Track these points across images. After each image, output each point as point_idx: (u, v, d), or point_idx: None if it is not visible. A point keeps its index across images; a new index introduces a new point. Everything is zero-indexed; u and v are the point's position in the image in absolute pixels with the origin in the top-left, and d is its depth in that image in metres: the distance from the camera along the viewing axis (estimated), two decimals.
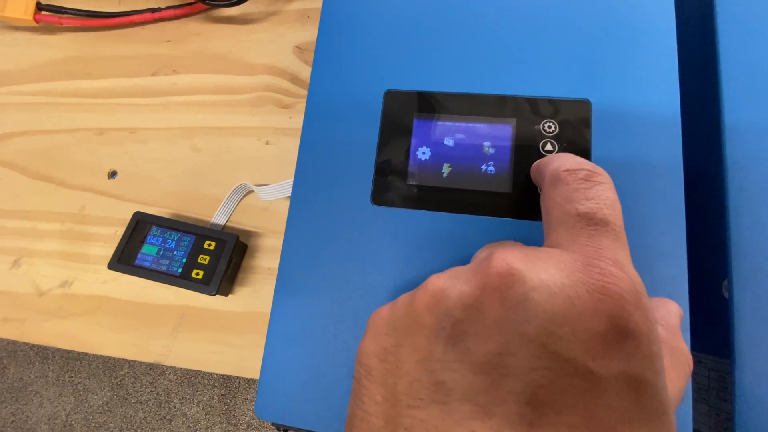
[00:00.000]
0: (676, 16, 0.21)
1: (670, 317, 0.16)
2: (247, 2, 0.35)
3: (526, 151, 0.20)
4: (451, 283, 0.13)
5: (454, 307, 0.13)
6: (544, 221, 0.15)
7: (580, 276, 0.12)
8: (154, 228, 0.30)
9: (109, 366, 1.14)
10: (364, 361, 0.14)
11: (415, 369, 0.13)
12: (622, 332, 0.11)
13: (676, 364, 0.15)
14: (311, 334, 0.20)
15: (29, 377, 1.16)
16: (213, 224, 0.32)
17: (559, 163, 0.16)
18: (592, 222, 0.13)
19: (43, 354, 1.17)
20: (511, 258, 0.12)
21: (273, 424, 0.19)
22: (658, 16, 0.21)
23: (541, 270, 0.12)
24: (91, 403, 1.12)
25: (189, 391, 1.10)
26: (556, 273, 0.12)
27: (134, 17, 0.37)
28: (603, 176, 0.15)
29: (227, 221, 0.32)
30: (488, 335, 0.12)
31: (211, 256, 0.29)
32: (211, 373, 1.11)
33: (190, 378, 1.11)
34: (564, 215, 0.14)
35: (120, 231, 0.33)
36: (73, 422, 1.12)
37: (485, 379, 0.11)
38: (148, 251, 0.29)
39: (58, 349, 1.17)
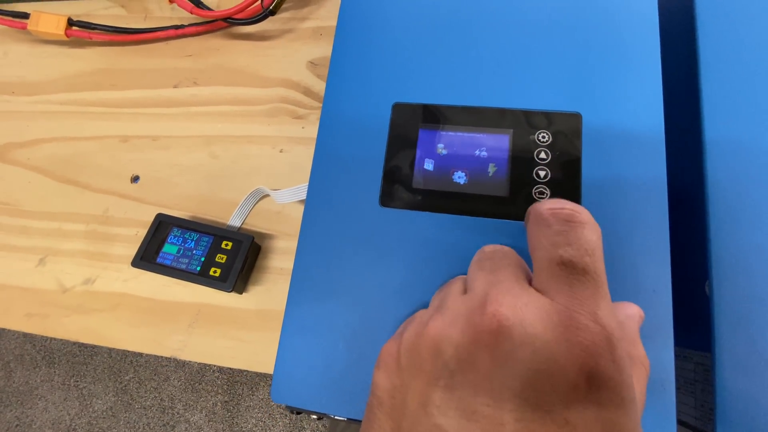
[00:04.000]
0: (660, 33, 0.23)
1: (628, 323, 0.18)
2: (264, 21, 0.38)
3: (522, 159, 0.22)
4: (448, 333, 0.15)
5: (450, 359, 0.14)
6: (532, 257, 0.16)
7: (561, 331, 0.13)
8: (175, 229, 0.32)
9: (114, 371, 1.15)
10: (377, 393, 0.17)
11: (417, 411, 0.15)
12: (594, 383, 0.13)
13: (634, 371, 0.16)
14: (323, 324, 0.21)
15: (35, 381, 1.17)
16: (229, 226, 0.33)
17: (544, 204, 0.16)
18: (574, 271, 0.14)
19: (50, 358, 1.19)
20: (502, 311, 0.14)
21: (287, 407, 0.21)
22: (643, 36, 0.23)
23: (528, 325, 0.14)
24: (96, 408, 1.13)
25: (193, 398, 1.11)
26: (540, 328, 0.14)
27: (159, 33, 0.40)
28: (583, 215, 0.15)
29: (242, 224, 0.34)
30: (479, 388, 0.14)
31: (228, 256, 0.30)
32: (214, 380, 1.12)
33: (194, 384, 1.12)
34: (549, 261, 0.15)
35: (141, 232, 0.35)
36: (77, 427, 1.12)
37: (476, 426, 0.13)
38: (169, 250, 0.31)
39: (65, 354, 1.18)
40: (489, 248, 0.18)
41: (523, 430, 0.13)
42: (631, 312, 0.18)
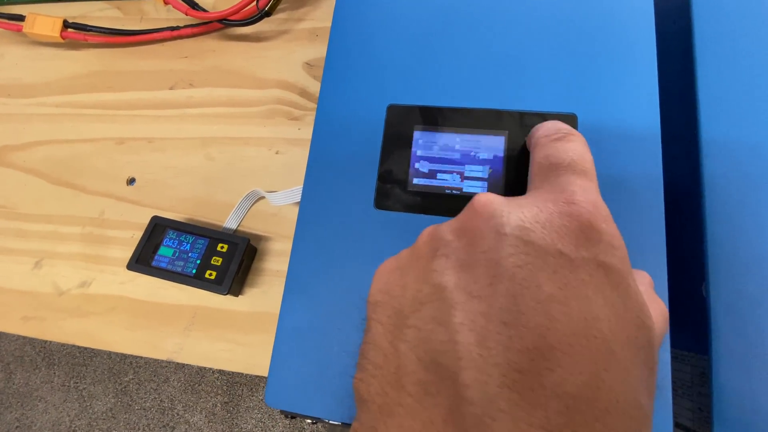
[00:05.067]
0: (657, 34, 0.23)
1: (644, 279, 0.18)
2: (260, 22, 0.38)
3: (517, 160, 0.22)
4: (443, 225, 0.16)
5: (446, 233, 0.15)
6: (528, 176, 0.18)
7: (547, 196, 0.15)
8: (171, 231, 0.32)
9: (114, 372, 1.15)
10: (371, 300, 0.16)
11: (416, 283, 0.15)
12: (585, 227, 0.13)
13: (655, 310, 0.16)
14: (318, 328, 0.21)
15: (35, 382, 1.17)
16: (225, 229, 0.33)
17: (540, 131, 0.19)
18: (561, 166, 0.16)
19: (49, 359, 1.19)
20: (490, 196, 0.15)
21: (282, 412, 0.21)
22: (639, 37, 0.23)
23: (514, 200, 0.15)
24: (95, 410, 1.13)
25: (192, 399, 1.11)
26: (526, 200, 0.15)
27: (154, 35, 0.39)
28: (575, 135, 0.17)
29: (238, 226, 0.34)
30: (474, 242, 0.14)
31: (223, 258, 0.30)
32: (214, 381, 1.12)
33: (194, 385, 1.12)
34: (539, 168, 0.17)
35: (137, 235, 0.35)
36: (77, 428, 1.12)
37: (474, 272, 0.13)
38: (164, 253, 0.31)
39: (64, 355, 1.18)
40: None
41: (517, 261, 0.13)
42: (646, 275, 0.18)
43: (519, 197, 0.15)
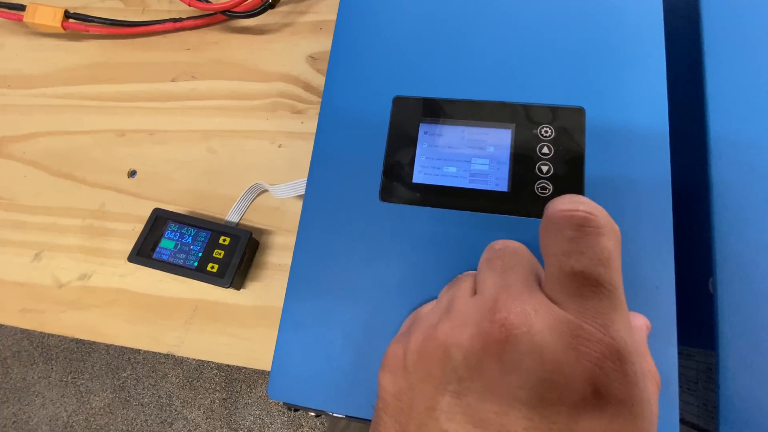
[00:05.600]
0: (665, 30, 0.23)
1: (637, 335, 0.17)
2: (263, 14, 0.37)
3: (524, 154, 0.22)
4: (457, 338, 0.15)
5: (459, 366, 0.14)
6: (544, 261, 0.15)
7: (569, 340, 0.13)
8: (172, 224, 0.31)
9: (112, 368, 1.15)
10: (382, 395, 0.16)
11: (423, 414, 0.14)
12: (602, 397, 0.12)
13: (654, 388, 0.16)
14: (322, 321, 0.21)
15: (32, 377, 1.17)
16: (227, 222, 0.33)
17: (557, 203, 0.15)
18: (586, 283, 0.14)
19: (47, 354, 1.18)
20: (511, 320, 0.14)
21: (285, 404, 0.20)
22: (648, 31, 0.23)
23: (536, 333, 0.13)
24: (93, 405, 1.13)
25: (190, 395, 1.11)
26: (549, 336, 0.13)
27: (157, 26, 0.39)
28: (599, 219, 0.14)
29: (240, 219, 0.34)
30: (487, 395, 0.13)
31: (225, 251, 0.30)
32: (212, 377, 1.12)
33: (192, 381, 1.12)
34: (560, 271, 0.14)
35: (138, 227, 0.35)
36: (74, 423, 1.12)
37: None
38: (166, 245, 0.31)
39: (62, 350, 1.18)
40: (499, 245, 0.17)
41: None
42: (639, 323, 0.18)
43: (544, 317, 0.14)
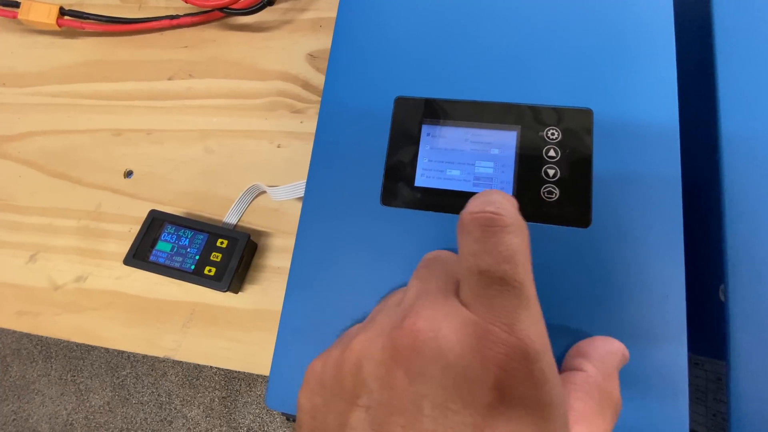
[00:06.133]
0: (675, 25, 0.22)
1: (608, 358, 0.17)
2: (262, 11, 0.36)
3: (530, 157, 0.21)
4: (369, 350, 0.14)
5: (369, 377, 0.14)
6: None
7: (474, 343, 0.13)
8: (169, 226, 0.31)
9: (112, 366, 1.15)
10: (299, 413, 0.16)
11: (332, 430, 0.14)
12: (507, 400, 0.12)
13: (603, 408, 0.16)
14: (321, 328, 0.21)
15: (32, 375, 1.17)
16: (225, 224, 0.33)
17: (468, 205, 0.15)
18: (491, 281, 0.13)
19: (47, 353, 1.18)
20: (419, 324, 0.13)
21: (283, 414, 0.20)
22: (657, 29, 0.22)
23: (443, 338, 0.13)
24: (93, 403, 1.13)
25: (190, 393, 1.11)
26: (455, 341, 0.13)
27: (153, 24, 0.38)
28: (505, 218, 0.14)
29: (238, 221, 0.33)
30: (394, 407, 0.13)
31: (223, 254, 0.30)
32: (212, 376, 1.11)
33: (192, 380, 1.12)
34: (468, 271, 0.14)
35: (134, 229, 0.34)
36: (74, 422, 1.12)
37: None
38: (162, 248, 0.30)
39: (62, 348, 1.18)
40: (431, 254, 0.18)
41: None
42: (614, 348, 0.17)
43: (452, 321, 0.13)
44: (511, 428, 0.12)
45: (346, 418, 0.14)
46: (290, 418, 0.23)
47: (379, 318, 0.16)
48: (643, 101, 0.21)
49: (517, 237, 0.14)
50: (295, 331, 0.21)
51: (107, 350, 1.16)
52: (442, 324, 0.13)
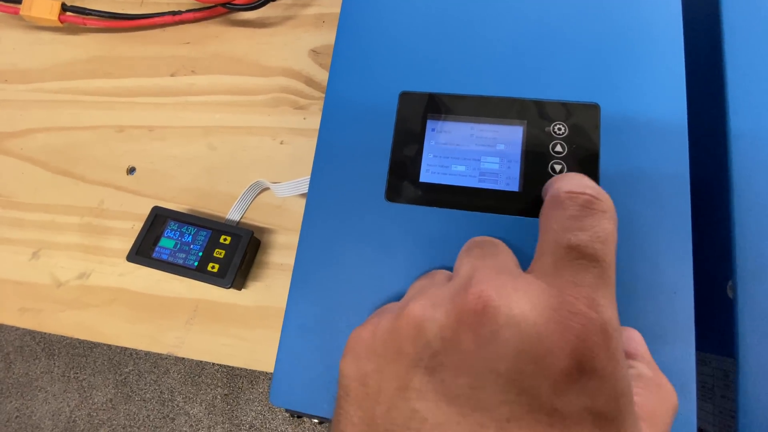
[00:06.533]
0: (683, 22, 0.22)
1: (643, 347, 0.17)
2: (264, 7, 0.36)
3: (536, 152, 0.21)
4: (431, 314, 0.14)
5: (433, 339, 0.13)
6: (539, 240, 0.15)
7: (552, 314, 0.12)
8: (172, 222, 0.31)
9: (114, 363, 1.15)
10: (343, 383, 0.15)
11: (393, 395, 0.13)
12: (585, 371, 0.12)
13: (662, 401, 0.15)
14: (325, 325, 0.20)
15: (35, 373, 1.17)
16: (228, 220, 0.32)
17: (562, 183, 0.15)
18: (581, 256, 0.13)
19: (50, 350, 1.18)
20: (489, 291, 0.13)
21: (287, 411, 0.20)
22: (665, 24, 0.22)
23: (515, 306, 0.13)
24: (95, 400, 1.13)
25: (192, 390, 1.11)
26: (529, 309, 0.13)
27: (155, 19, 0.38)
28: (604, 203, 0.14)
29: (241, 218, 0.33)
30: (462, 369, 0.13)
31: (226, 251, 0.29)
32: (214, 373, 1.11)
33: (194, 377, 1.12)
34: (556, 244, 0.14)
35: (137, 225, 0.34)
36: (76, 418, 1.12)
37: (457, 410, 0.12)
38: (165, 244, 0.30)
39: (64, 346, 1.18)
40: (478, 238, 0.18)
41: (507, 413, 0.12)
42: (641, 338, 0.17)
43: (524, 291, 0.13)
44: (585, 398, 0.12)
45: (407, 380, 0.13)
46: (294, 415, 0.23)
47: (431, 291, 0.15)
48: (650, 96, 0.21)
49: (612, 224, 0.14)
50: (300, 327, 0.21)
51: (110, 347, 1.16)
52: (512, 293, 0.13)
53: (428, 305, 0.14)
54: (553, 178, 0.17)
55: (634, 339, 0.17)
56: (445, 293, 0.15)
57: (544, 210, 0.16)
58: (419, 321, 0.14)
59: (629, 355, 0.17)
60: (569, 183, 0.15)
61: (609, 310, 0.13)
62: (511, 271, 0.15)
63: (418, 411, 0.13)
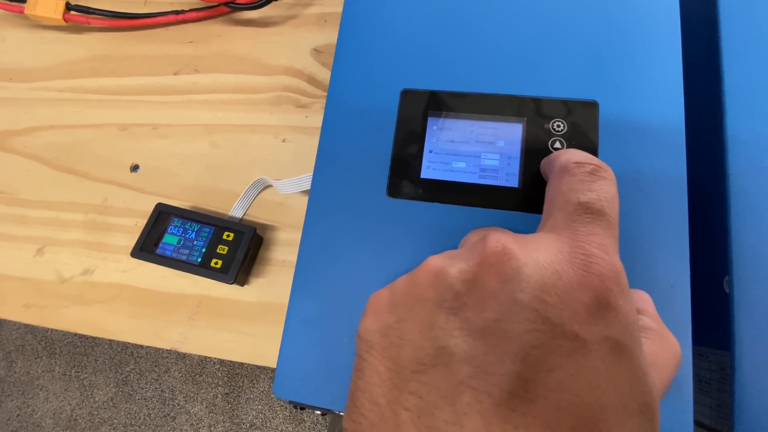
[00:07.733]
0: (681, 22, 0.22)
1: (651, 306, 0.17)
2: (267, 6, 0.37)
3: (536, 149, 0.21)
4: (450, 262, 0.15)
5: (455, 281, 0.14)
6: (544, 210, 0.17)
7: (567, 254, 0.13)
8: (175, 219, 0.31)
9: (115, 362, 1.15)
10: (365, 338, 0.15)
11: (418, 338, 0.14)
12: (602, 304, 0.12)
13: (666, 351, 0.16)
14: (328, 319, 0.21)
15: (36, 371, 1.17)
16: (231, 217, 0.33)
17: (569, 155, 0.17)
18: (590, 211, 0.14)
19: (51, 348, 1.19)
20: (505, 239, 0.14)
21: (290, 403, 0.20)
22: (664, 23, 0.22)
23: (532, 250, 0.14)
24: (96, 399, 1.13)
25: (193, 389, 1.11)
26: (545, 252, 0.14)
27: (159, 18, 0.39)
28: (608, 172, 0.16)
29: (244, 214, 0.33)
30: (486, 304, 0.13)
31: (229, 247, 0.30)
32: (215, 372, 1.12)
33: (195, 376, 1.12)
34: (565, 203, 0.15)
35: (141, 223, 0.34)
36: (77, 417, 1.13)
37: (484, 343, 0.13)
38: (169, 241, 0.30)
39: (66, 344, 1.18)
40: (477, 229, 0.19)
41: (532, 341, 0.12)
42: (647, 297, 0.18)
43: (536, 241, 0.14)
44: (604, 327, 0.12)
45: (431, 322, 0.14)
46: (297, 407, 0.23)
47: (446, 252, 0.16)
48: (648, 94, 0.21)
49: (615, 189, 0.16)
50: (303, 321, 0.21)
51: (111, 346, 1.17)
52: (528, 241, 0.14)
53: (446, 257, 0.15)
54: (554, 153, 0.19)
55: (642, 298, 0.18)
56: (461, 251, 0.15)
57: (552, 179, 0.17)
58: (439, 269, 0.14)
59: (637, 311, 0.17)
60: (576, 155, 0.17)
61: (617, 256, 0.14)
62: (522, 235, 0.16)
63: (445, 347, 0.13)
